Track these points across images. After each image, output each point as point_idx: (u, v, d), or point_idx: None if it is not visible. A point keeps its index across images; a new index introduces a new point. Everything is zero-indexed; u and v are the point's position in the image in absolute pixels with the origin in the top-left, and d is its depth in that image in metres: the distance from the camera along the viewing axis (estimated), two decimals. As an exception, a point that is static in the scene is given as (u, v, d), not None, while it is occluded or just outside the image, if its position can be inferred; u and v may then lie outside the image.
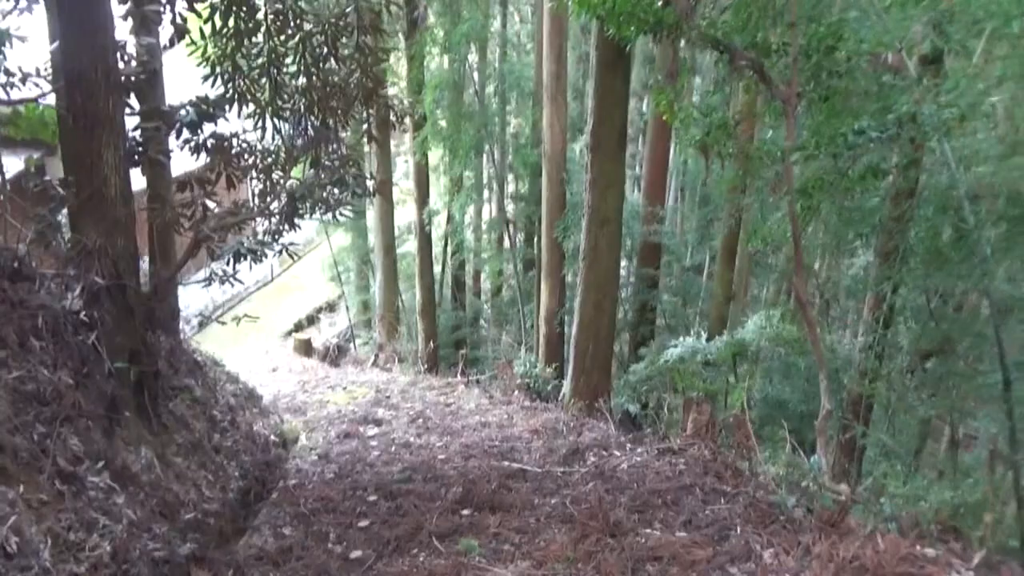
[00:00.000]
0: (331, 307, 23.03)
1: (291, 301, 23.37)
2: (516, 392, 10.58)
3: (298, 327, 21.73)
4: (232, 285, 6.48)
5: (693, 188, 17.79)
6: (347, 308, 19.43)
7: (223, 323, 8.12)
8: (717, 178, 10.89)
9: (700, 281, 15.51)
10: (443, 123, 13.97)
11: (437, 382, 12.06)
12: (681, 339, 7.53)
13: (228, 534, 5.02)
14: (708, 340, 7.45)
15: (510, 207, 15.75)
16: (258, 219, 6.87)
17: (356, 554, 4.41)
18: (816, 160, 5.22)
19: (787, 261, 12.96)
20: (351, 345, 19.89)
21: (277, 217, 6.77)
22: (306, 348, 17.84)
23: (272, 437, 7.70)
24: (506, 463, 6.28)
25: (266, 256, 6.66)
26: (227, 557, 4.37)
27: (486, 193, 17.10)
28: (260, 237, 6.76)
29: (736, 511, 4.39)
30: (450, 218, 15.37)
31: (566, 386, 8.18)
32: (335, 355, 18.34)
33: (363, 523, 4.91)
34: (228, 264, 6.37)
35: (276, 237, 6.99)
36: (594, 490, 5.18)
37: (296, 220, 6.91)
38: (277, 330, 21.29)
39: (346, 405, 10.50)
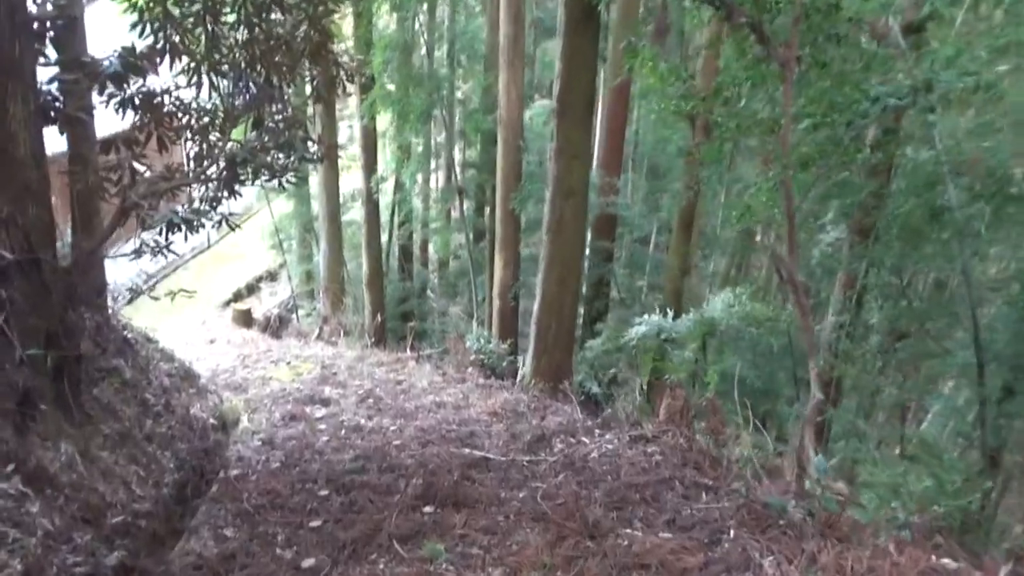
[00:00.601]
0: (272, 276, 22.22)
1: (230, 270, 22.44)
2: (470, 369, 10.19)
3: (237, 297, 20.90)
4: (165, 256, 5.90)
5: (642, 159, 17.48)
6: (289, 278, 18.67)
7: (156, 298, 7.45)
8: (702, 149, 10.61)
9: (650, 254, 15.32)
10: (391, 87, 13.31)
11: (386, 357, 11.57)
12: (645, 316, 7.24)
13: (162, 537, 4.52)
14: (672, 318, 7.17)
15: (460, 175, 15.21)
16: (193, 185, 6.27)
17: (308, 562, 3.97)
18: (823, 129, 4.92)
19: (748, 237, 12.83)
20: (294, 316, 19.19)
21: (215, 183, 6.20)
22: (246, 319, 17.08)
23: (211, 420, 7.15)
24: (467, 450, 5.89)
25: (203, 226, 6.08)
26: (160, 567, 3.90)
27: (434, 162, 16.49)
28: (196, 205, 6.18)
29: (726, 511, 4.10)
30: (399, 186, 14.76)
31: (526, 365, 7.82)
32: (276, 326, 17.62)
33: (315, 523, 4.47)
34: (160, 235, 5.78)
35: (214, 205, 6.42)
36: (565, 483, 4.84)
37: (236, 187, 6.35)
38: (215, 300, 20.41)
39: (290, 382, 9.96)
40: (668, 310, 7.25)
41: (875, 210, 6.60)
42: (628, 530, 4.02)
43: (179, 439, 6.11)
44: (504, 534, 4.15)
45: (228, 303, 20.00)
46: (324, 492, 5.04)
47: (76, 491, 4.12)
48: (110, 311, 8.06)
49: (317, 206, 15.21)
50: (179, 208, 5.50)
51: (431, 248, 19.64)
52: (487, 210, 14.53)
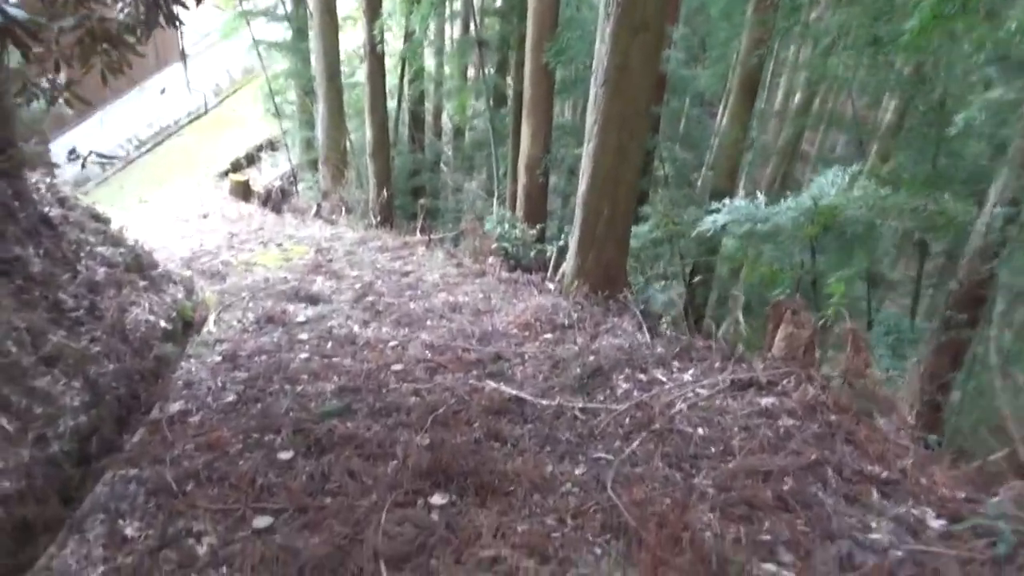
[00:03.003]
0: (273, 145, 20.31)
1: (229, 137, 20.58)
2: (491, 259, 8.49)
3: (236, 167, 19.16)
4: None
5: (692, 6, 14.71)
6: (287, 147, 16.73)
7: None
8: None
9: (709, 124, 13.18)
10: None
11: (392, 240, 9.88)
12: (726, 201, 5.43)
13: (33, 531, 2.97)
14: (760, 202, 5.36)
15: (480, 24, 12.88)
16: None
17: (235, 611, 2.42)
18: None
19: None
20: (296, 189, 17.46)
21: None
22: (244, 191, 15.43)
23: (162, 323, 5.54)
24: (492, 383, 4.27)
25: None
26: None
27: (448, 7, 14.09)
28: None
29: (927, 536, 2.46)
30: (408, 36, 12.54)
31: (568, 261, 6.07)
32: (279, 200, 15.98)
33: (262, 521, 2.89)
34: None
35: (141, 33, 4.58)
36: (647, 458, 3.22)
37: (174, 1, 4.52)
38: (212, 170, 18.69)
39: (277, 270, 8.35)
40: (758, 193, 5.42)
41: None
42: (769, 566, 2.42)
43: (102, 358, 4.50)
44: (560, 560, 2.55)
45: (226, 173, 18.31)
46: (287, 455, 3.44)
47: None
48: (35, 182, 6.35)
49: (315, 63, 13.09)
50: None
51: (445, 114, 17.44)
52: (511, 69, 12.36)
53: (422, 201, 12.27)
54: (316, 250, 9.34)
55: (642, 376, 4.12)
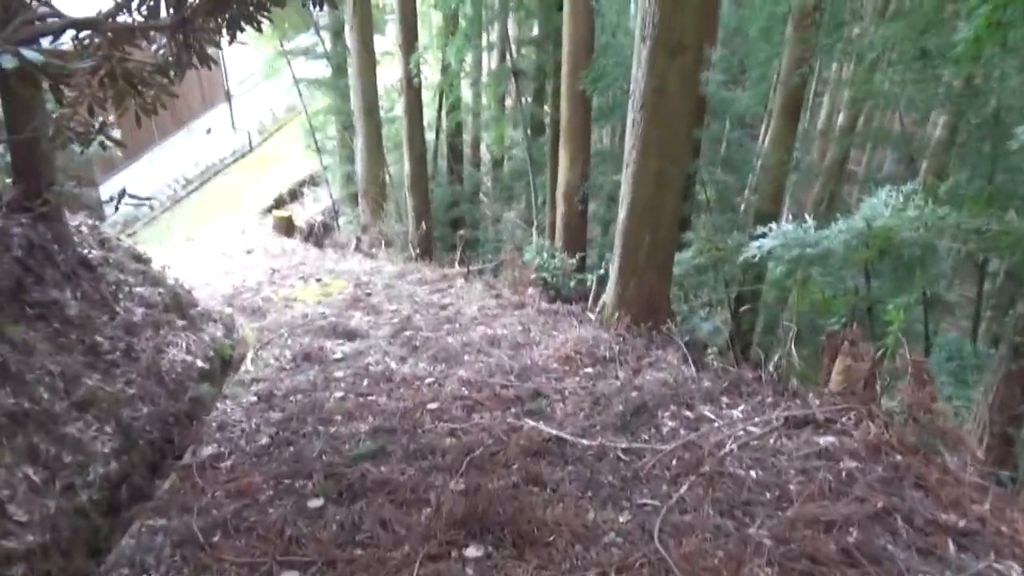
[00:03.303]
0: (315, 181, 20.59)
1: (272, 174, 20.94)
2: (530, 290, 8.34)
3: (279, 203, 19.43)
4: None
5: (729, 27, 14.45)
6: (327, 182, 16.92)
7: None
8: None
9: (751, 147, 12.89)
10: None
11: (430, 273, 9.80)
12: (772, 225, 5.20)
13: (56, 586, 2.88)
14: (809, 226, 5.11)
15: (516, 53, 12.86)
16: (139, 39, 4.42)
17: None
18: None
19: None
20: (336, 223, 17.63)
21: (172, 37, 4.35)
22: (287, 227, 15.58)
23: (199, 363, 5.51)
24: (530, 422, 4.09)
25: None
26: None
27: (485, 37, 14.11)
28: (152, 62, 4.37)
29: None
30: (444, 68, 12.59)
31: (608, 291, 5.88)
32: (320, 234, 16.14)
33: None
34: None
35: (176, 74, 4.58)
36: (696, 505, 3.00)
37: (207, 41, 4.50)
38: (256, 206, 18.99)
39: (316, 305, 8.31)
40: (807, 217, 5.17)
41: None
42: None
43: (136, 400, 4.46)
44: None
45: (269, 209, 18.58)
46: (318, 502, 3.30)
47: None
48: (77, 224, 6.42)
49: (353, 99, 13.22)
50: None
51: (483, 145, 17.46)
52: (548, 98, 12.31)
53: (461, 232, 12.24)
54: (355, 284, 9.30)
55: (689, 413, 3.90)
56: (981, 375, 6.70)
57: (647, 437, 3.72)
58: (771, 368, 4.16)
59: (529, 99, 12.55)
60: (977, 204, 4.49)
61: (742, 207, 13.59)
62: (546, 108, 12.98)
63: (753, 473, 3.19)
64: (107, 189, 15.91)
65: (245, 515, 3.25)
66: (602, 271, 8.07)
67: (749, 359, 7.13)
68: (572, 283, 8.03)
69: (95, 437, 3.85)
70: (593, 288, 7.55)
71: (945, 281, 9.87)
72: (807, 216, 5.26)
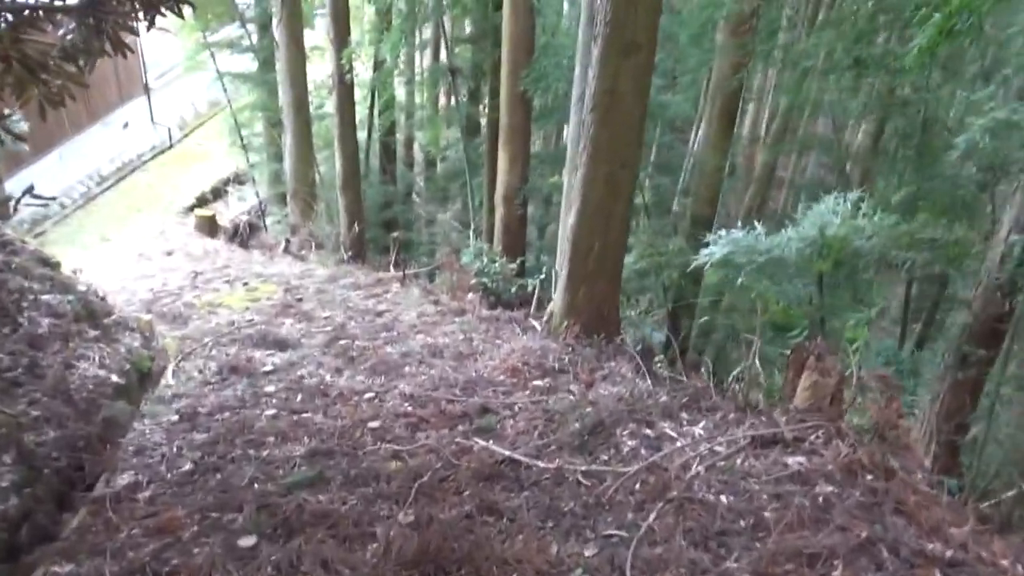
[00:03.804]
0: (240, 179, 19.79)
1: (195, 172, 20.03)
2: (470, 295, 8.10)
3: (202, 202, 18.57)
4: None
5: (662, 32, 14.56)
6: (254, 180, 16.26)
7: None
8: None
9: (682, 151, 12.94)
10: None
11: (364, 277, 9.44)
12: (722, 232, 5.09)
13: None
14: (759, 233, 5.02)
15: (452, 52, 12.54)
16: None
17: None
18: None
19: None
20: (263, 223, 16.96)
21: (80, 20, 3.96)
22: (210, 227, 14.92)
23: (113, 378, 5.04)
24: (480, 441, 3.84)
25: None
26: None
27: (419, 35, 13.75)
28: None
29: None
30: (377, 65, 12.19)
31: (556, 299, 5.67)
32: (246, 235, 15.48)
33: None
34: None
35: (83, 61, 4.17)
36: (667, 535, 2.80)
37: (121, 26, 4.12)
38: (176, 205, 18.10)
39: (243, 312, 7.86)
40: (756, 224, 5.07)
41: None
42: None
43: (42, 423, 4.01)
44: None
45: (191, 208, 17.76)
46: (249, 540, 2.97)
47: None
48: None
49: (282, 95, 12.68)
50: None
51: (416, 145, 17.07)
52: (484, 98, 12.06)
53: (395, 234, 11.86)
54: (285, 289, 8.87)
55: (649, 431, 3.71)
56: (917, 380, 6.79)
57: (607, 458, 3.52)
58: (731, 382, 4.02)
59: (465, 98, 12.29)
60: (933, 213, 4.49)
61: (674, 211, 13.65)
62: (482, 108, 12.74)
63: (724, 499, 3.03)
64: (13, 186, 14.87)
65: (166, 557, 2.89)
66: (543, 275, 7.89)
67: (688, 365, 7.05)
68: (513, 288, 7.81)
69: (-12, 471, 3.41)
70: (535, 294, 7.34)
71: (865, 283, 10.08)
72: (740, 222, 5.18)
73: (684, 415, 3.87)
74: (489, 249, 9.01)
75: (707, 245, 5.28)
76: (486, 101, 11.03)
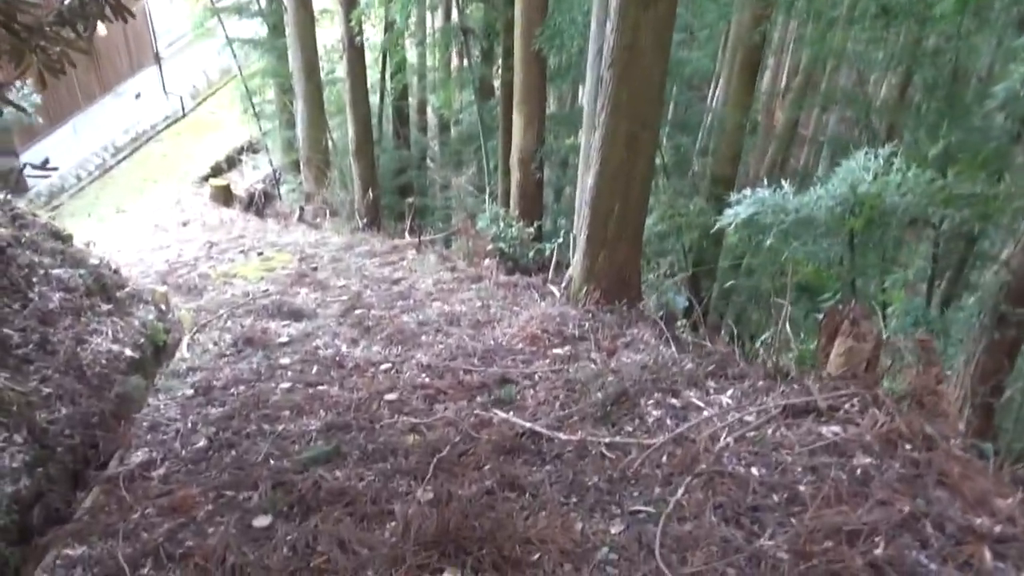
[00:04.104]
0: (254, 147, 19.67)
1: (208, 141, 19.93)
2: (486, 260, 7.95)
3: (217, 171, 18.52)
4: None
5: None
6: (267, 148, 16.10)
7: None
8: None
9: (700, 108, 12.61)
10: None
11: (380, 244, 9.32)
12: (746, 192, 4.89)
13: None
14: (786, 192, 4.80)
15: (463, 11, 12.23)
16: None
17: None
18: None
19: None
20: (278, 192, 16.85)
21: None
22: (225, 196, 14.84)
23: (127, 352, 4.97)
24: (500, 413, 3.73)
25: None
26: None
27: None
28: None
29: None
30: (387, 27, 11.92)
31: (575, 264, 5.51)
32: (261, 203, 15.40)
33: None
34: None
35: (84, 28, 4.05)
36: (697, 511, 2.68)
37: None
38: (191, 175, 18.04)
39: (258, 282, 7.78)
40: (783, 183, 4.86)
41: None
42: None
43: (54, 401, 3.95)
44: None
45: (206, 178, 17.70)
46: (265, 520, 2.89)
47: None
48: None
49: (292, 60, 12.44)
50: None
51: (429, 108, 16.78)
52: (497, 58, 11.78)
53: (410, 200, 11.71)
54: (300, 258, 8.77)
55: (674, 401, 3.58)
56: (947, 340, 6.57)
57: (631, 429, 3.40)
58: (758, 347, 3.85)
59: (478, 59, 12.00)
60: (970, 168, 4.26)
61: (694, 171, 13.36)
62: (495, 69, 12.44)
63: (756, 471, 2.90)
64: (28, 158, 14.84)
65: (180, 538, 2.82)
66: (560, 240, 7.71)
67: (710, 328, 6.88)
68: (531, 253, 7.65)
69: (2, 449, 3.35)
70: (553, 258, 7.17)
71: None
72: (766, 180, 4.97)
73: (711, 383, 3.72)
74: (506, 214, 8.83)
75: (730, 205, 5.08)
76: (499, 62, 10.75)
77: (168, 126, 20.25)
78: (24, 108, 4.01)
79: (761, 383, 3.60)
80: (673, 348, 4.25)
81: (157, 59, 19.47)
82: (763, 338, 3.87)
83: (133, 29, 17.80)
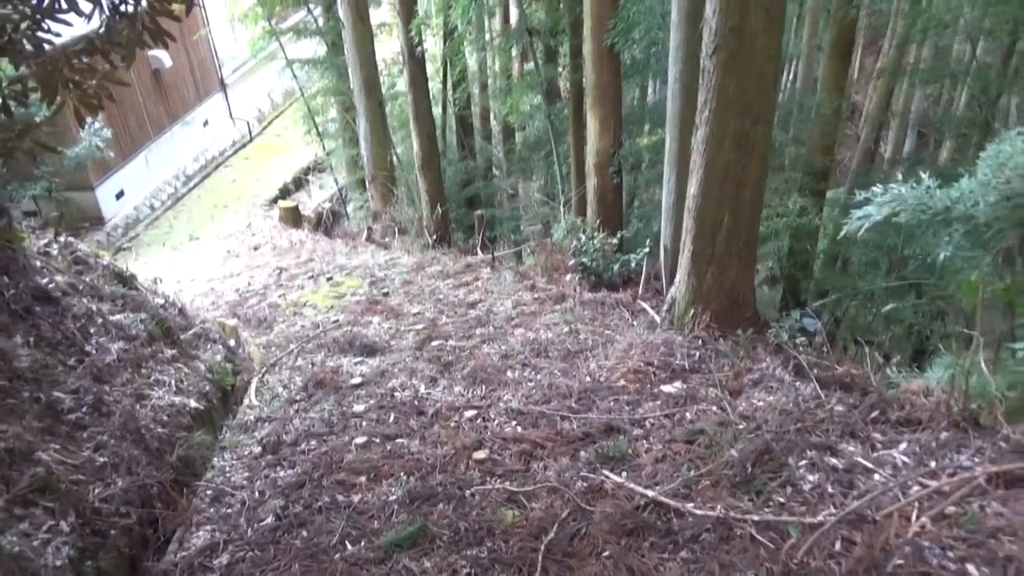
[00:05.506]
0: (320, 167, 19.68)
1: (276, 163, 20.09)
2: (568, 276, 7.34)
3: (285, 193, 18.59)
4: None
5: None
6: (332, 168, 15.92)
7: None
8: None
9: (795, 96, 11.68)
10: None
11: (452, 263, 8.83)
12: (877, 187, 4.16)
13: None
14: (928, 186, 4.04)
15: (525, 11, 11.66)
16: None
17: None
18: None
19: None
20: (345, 210, 16.68)
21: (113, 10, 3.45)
22: (294, 217, 14.74)
23: (191, 404, 4.58)
24: (611, 476, 3.11)
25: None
26: None
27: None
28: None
29: None
30: (447, 35, 11.45)
31: (678, 284, 4.84)
32: (329, 223, 15.29)
33: None
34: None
35: (124, 57, 3.64)
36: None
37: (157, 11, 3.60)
38: (260, 198, 18.14)
39: (328, 311, 7.39)
40: (922, 174, 4.10)
41: None
42: None
43: (109, 472, 3.53)
44: None
45: (275, 200, 17.77)
46: (340, 636, 2.35)
47: None
48: (47, 243, 5.53)
49: (352, 77, 12.14)
50: None
51: (492, 116, 16.26)
52: (563, 59, 11.17)
53: (479, 212, 11.20)
54: (370, 282, 8.37)
55: (833, 460, 2.89)
56: None
57: (783, 500, 2.73)
58: (939, 382, 3.10)
59: (543, 61, 11.42)
60: None
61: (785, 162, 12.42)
62: (561, 71, 11.83)
63: (974, 570, 2.21)
64: (104, 192, 15.07)
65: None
66: (647, 249, 7.05)
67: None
68: (616, 266, 7.01)
69: (46, 541, 2.93)
70: (643, 272, 6.51)
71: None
72: (890, 171, 4.21)
73: (875, 434, 3.01)
74: (583, 223, 8.21)
75: (858, 205, 4.32)
76: (565, 62, 10.14)
77: (236, 151, 20.47)
78: (54, 148, 3.62)
79: (945, 434, 2.87)
80: (815, 385, 3.56)
81: (223, 86, 19.65)
82: (947, 375, 3.08)
83: (198, 58, 18.02)
